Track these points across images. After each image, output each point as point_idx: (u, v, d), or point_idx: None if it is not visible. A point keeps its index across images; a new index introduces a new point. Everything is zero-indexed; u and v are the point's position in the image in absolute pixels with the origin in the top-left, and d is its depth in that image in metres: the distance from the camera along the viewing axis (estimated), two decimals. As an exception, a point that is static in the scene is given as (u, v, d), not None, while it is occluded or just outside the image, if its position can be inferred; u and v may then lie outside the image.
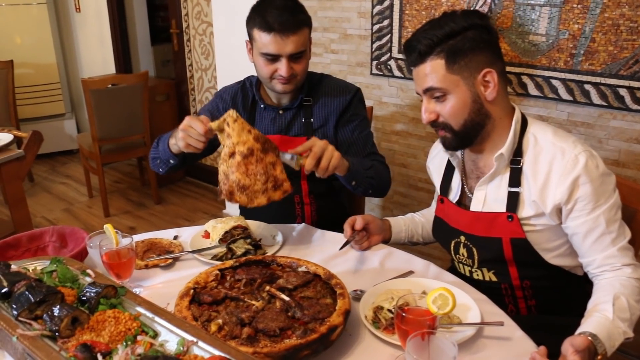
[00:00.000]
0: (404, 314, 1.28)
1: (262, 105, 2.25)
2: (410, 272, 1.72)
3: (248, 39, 2.12)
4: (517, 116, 1.66)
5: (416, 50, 1.59)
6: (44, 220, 4.60)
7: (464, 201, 1.79)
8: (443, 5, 2.72)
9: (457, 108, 1.60)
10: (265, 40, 1.99)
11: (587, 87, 2.38)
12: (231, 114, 1.74)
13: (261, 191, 1.73)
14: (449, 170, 1.84)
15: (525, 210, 1.63)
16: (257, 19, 2.01)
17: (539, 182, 1.59)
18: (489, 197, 1.70)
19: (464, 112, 1.60)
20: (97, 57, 6.05)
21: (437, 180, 1.90)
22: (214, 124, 1.76)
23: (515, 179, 1.63)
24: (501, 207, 1.66)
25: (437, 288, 1.39)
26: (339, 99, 2.23)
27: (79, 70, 6.36)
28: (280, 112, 2.23)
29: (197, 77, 4.99)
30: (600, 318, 1.41)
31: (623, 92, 2.28)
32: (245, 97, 2.29)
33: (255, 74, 2.27)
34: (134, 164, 5.69)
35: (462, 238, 1.76)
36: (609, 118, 2.38)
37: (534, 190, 1.60)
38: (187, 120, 1.82)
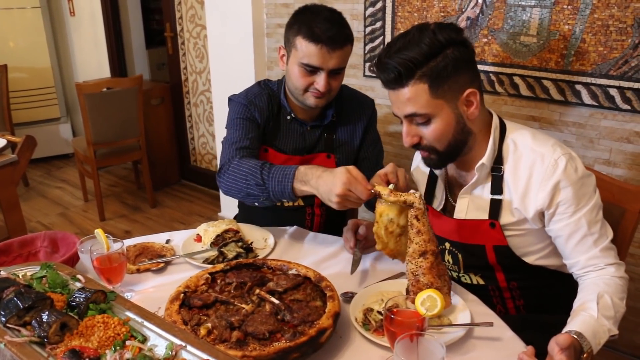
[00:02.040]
0: (392, 316, 1.28)
1: (288, 117, 2.15)
2: (402, 274, 1.72)
3: (283, 45, 2.05)
4: (495, 123, 1.65)
5: (394, 72, 1.51)
6: (39, 224, 4.59)
7: (448, 208, 1.80)
8: (435, 7, 2.72)
9: (442, 131, 1.56)
10: (310, 51, 1.90)
11: (578, 87, 2.39)
12: (419, 203, 1.45)
13: (443, 294, 1.48)
14: (432, 178, 1.84)
15: (507, 217, 1.63)
16: (303, 27, 1.91)
17: (520, 188, 1.59)
18: (471, 205, 1.70)
19: (448, 134, 1.57)
20: (92, 60, 6.05)
21: (422, 188, 1.90)
22: (388, 196, 1.48)
23: (496, 187, 1.64)
24: (484, 214, 1.66)
25: (425, 290, 1.39)
26: (361, 116, 2.21)
27: (73, 74, 6.36)
28: (309, 128, 2.17)
29: (192, 80, 4.99)
30: (586, 317, 1.42)
31: (613, 92, 2.29)
32: (272, 102, 2.16)
33: (269, 79, 2.22)
34: (130, 167, 5.68)
35: (447, 245, 1.77)
36: (600, 118, 2.39)
37: (515, 197, 1.60)
38: (348, 184, 1.57)
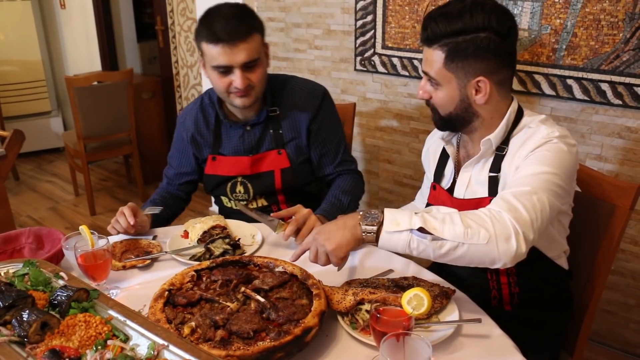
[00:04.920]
0: (379, 315, 1.27)
1: (227, 123, 2.15)
2: (390, 271, 1.71)
3: (200, 55, 2.01)
4: (513, 107, 1.66)
5: (428, 30, 1.58)
6: (29, 219, 4.56)
7: (455, 188, 1.79)
8: (426, 0, 2.70)
9: (445, 101, 1.63)
10: (214, 52, 1.88)
11: (570, 81, 2.38)
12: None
13: None
14: (444, 157, 1.85)
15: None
16: (203, 31, 1.90)
17: (512, 157, 1.60)
18: (472, 180, 1.71)
19: (449, 106, 1.63)
20: (83, 54, 6.00)
21: (432, 167, 1.90)
22: None
23: (496, 165, 1.64)
24: (483, 191, 1.67)
25: (412, 288, 1.37)
26: (307, 106, 2.14)
27: (64, 67, 6.31)
28: (248, 128, 2.13)
29: (183, 74, 4.96)
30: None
31: (605, 86, 2.28)
32: (205, 116, 2.18)
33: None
34: (121, 161, 5.65)
35: None
36: (592, 113, 2.38)
37: (508, 165, 1.60)
38: (117, 215, 1.89)
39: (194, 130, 2.18)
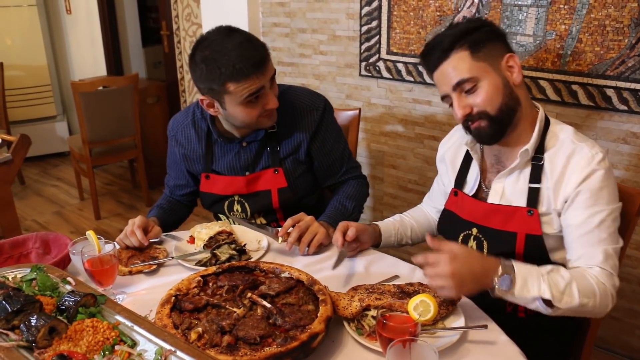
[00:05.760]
0: (385, 321, 1.27)
1: (220, 140, 2.08)
2: (396, 277, 1.71)
3: (205, 96, 1.90)
4: (541, 115, 1.68)
5: (438, 49, 1.62)
6: (35, 223, 4.57)
7: (480, 194, 1.79)
8: (431, 6, 2.71)
9: (492, 93, 1.59)
10: (247, 84, 1.79)
11: (575, 87, 2.38)
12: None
13: None
14: (466, 163, 1.84)
15: (542, 206, 1.64)
16: (223, 72, 1.77)
17: (555, 176, 1.60)
18: (507, 191, 1.70)
19: (498, 96, 1.60)
20: (88, 59, 6.03)
21: (451, 173, 1.89)
22: None
23: (536, 175, 1.64)
24: (520, 201, 1.67)
25: (419, 294, 1.37)
26: (307, 120, 2.06)
27: (70, 72, 6.33)
28: (244, 144, 2.07)
29: (188, 79, 4.97)
30: (532, 267, 1.46)
31: (610, 92, 2.28)
32: (198, 132, 2.12)
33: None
34: (125, 166, 5.66)
35: (474, 230, 1.75)
36: (597, 118, 2.38)
37: (550, 184, 1.61)
38: (126, 232, 1.90)
39: (187, 148, 2.14)
